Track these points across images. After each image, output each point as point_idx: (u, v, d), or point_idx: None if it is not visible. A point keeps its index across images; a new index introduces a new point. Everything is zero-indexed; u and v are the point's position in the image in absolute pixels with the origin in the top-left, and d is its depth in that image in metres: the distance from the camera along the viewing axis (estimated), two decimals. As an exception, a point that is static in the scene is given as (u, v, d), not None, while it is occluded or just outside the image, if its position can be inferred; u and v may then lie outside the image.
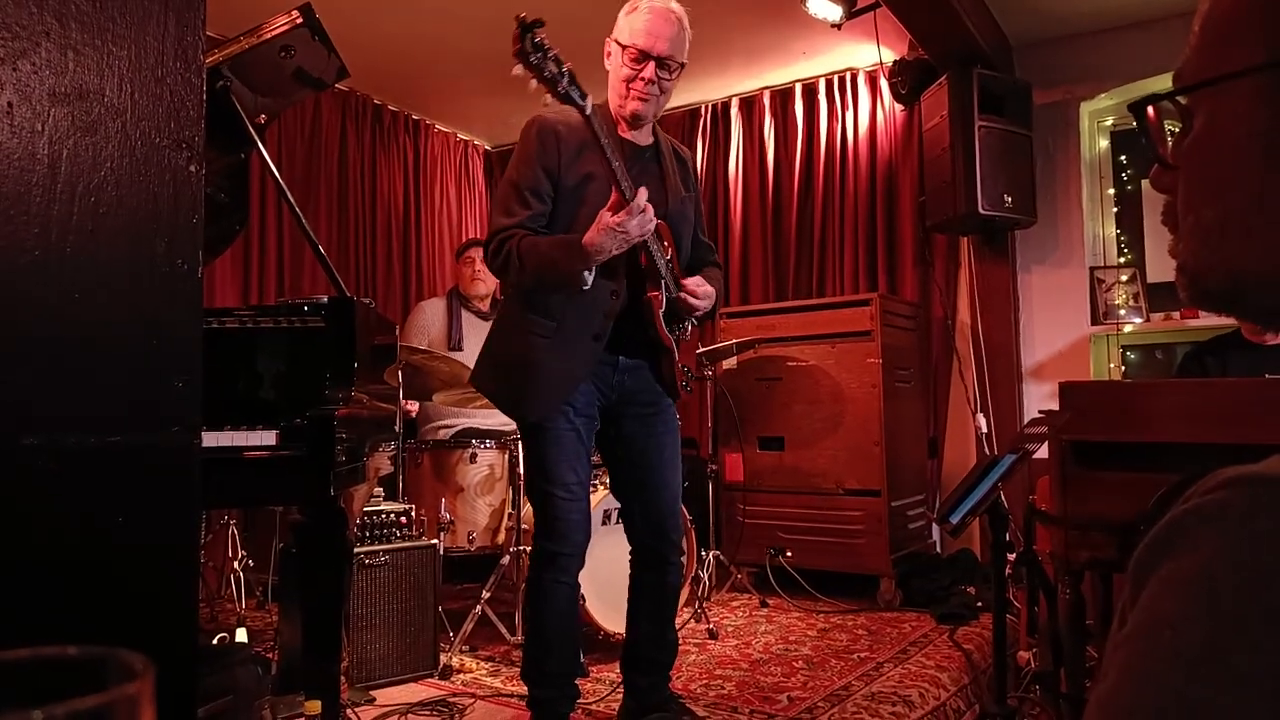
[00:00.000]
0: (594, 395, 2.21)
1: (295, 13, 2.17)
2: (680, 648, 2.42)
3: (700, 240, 2.45)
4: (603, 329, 2.14)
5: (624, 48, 2.14)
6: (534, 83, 1.80)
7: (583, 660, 2.61)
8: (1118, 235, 4.34)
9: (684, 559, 2.38)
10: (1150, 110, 0.58)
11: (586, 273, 2.03)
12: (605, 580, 2.85)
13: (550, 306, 2.13)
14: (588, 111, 1.88)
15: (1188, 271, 0.55)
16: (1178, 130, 0.57)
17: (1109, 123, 4.37)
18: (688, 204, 2.34)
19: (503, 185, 2.23)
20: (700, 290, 2.23)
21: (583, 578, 2.25)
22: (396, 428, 2.57)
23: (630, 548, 2.35)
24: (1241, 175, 0.51)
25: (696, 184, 2.44)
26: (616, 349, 2.20)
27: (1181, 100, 0.55)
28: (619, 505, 2.41)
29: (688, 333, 2.33)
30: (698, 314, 2.28)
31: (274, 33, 2.17)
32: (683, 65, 2.21)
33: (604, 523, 2.96)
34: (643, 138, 2.26)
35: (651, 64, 2.13)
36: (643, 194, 1.99)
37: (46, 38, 0.92)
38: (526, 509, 3.13)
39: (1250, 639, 0.35)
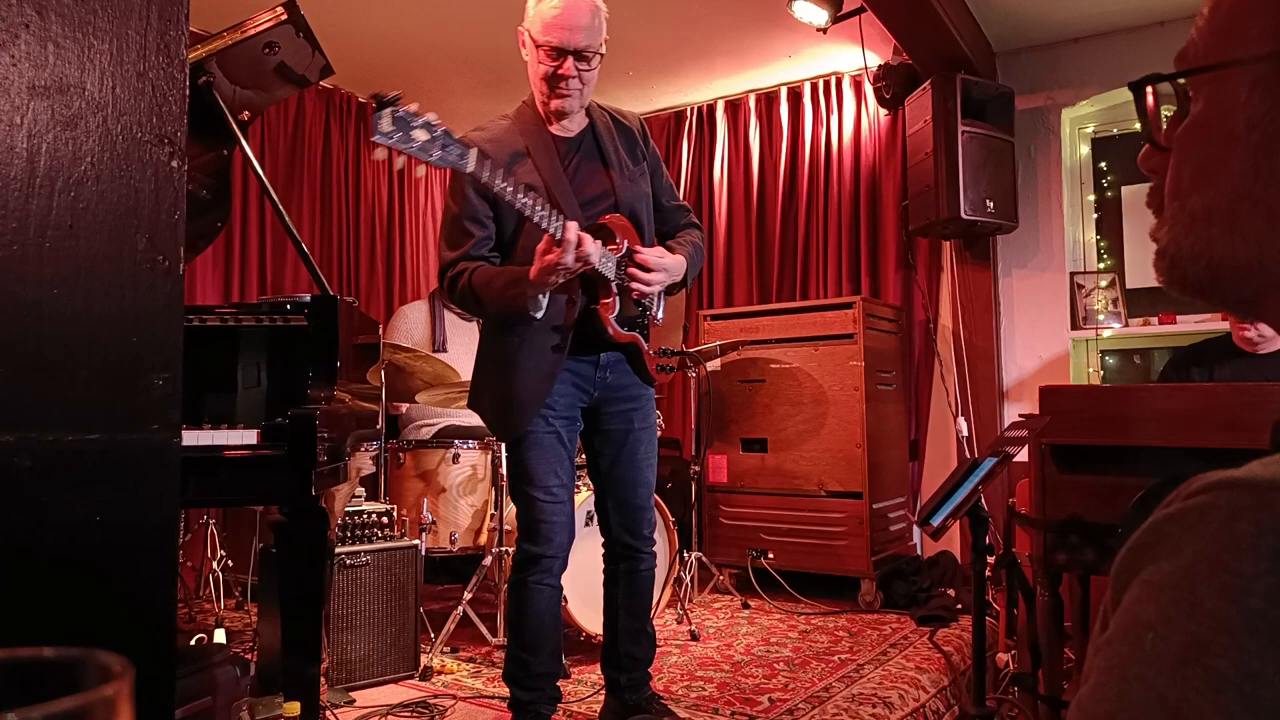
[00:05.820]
0: (575, 396, 2.21)
1: (279, 9, 2.15)
2: (662, 649, 2.42)
3: (666, 205, 2.36)
4: (563, 340, 2.13)
5: (538, 45, 2.07)
6: (404, 160, 1.72)
7: (564, 661, 2.61)
8: (1098, 241, 4.38)
9: (655, 550, 2.38)
10: (1149, 90, 0.57)
11: (541, 297, 2.02)
12: (587, 581, 2.84)
13: (513, 326, 2.13)
14: (470, 169, 1.79)
15: (1167, 256, 0.55)
16: (1172, 113, 0.56)
17: (1090, 129, 4.41)
18: (639, 179, 2.25)
19: (444, 216, 2.21)
20: (656, 262, 2.12)
21: (565, 579, 2.26)
22: (379, 427, 2.55)
23: (604, 541, 2.36)
24: (1233, 164, 0.51)
25: (648, 147, 2.33)
26: (595, 348, 2.20)
27: (1181, 83, 0.55)
28: (600, 505, 2.40)
29: (658, 316, 2.30)
30: (653, 290, 2.18)
31: (258, 29, 2.15)
32: (601, 54, 2.12)
33: (586, 524, 2.95)
34: (574, 125, 2.21)
35: (569, 59, 2.06)
36: (572, 228, 1.92)
37: (26, 30, 0.91)
38: (508, 509, 3.12)
39: (1232, 643, 0.35)
